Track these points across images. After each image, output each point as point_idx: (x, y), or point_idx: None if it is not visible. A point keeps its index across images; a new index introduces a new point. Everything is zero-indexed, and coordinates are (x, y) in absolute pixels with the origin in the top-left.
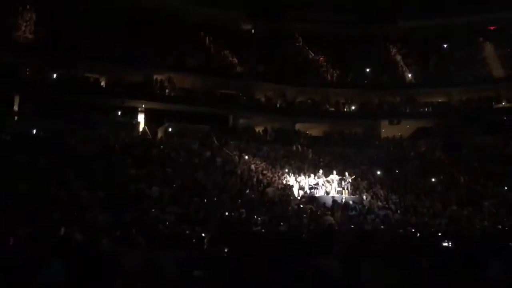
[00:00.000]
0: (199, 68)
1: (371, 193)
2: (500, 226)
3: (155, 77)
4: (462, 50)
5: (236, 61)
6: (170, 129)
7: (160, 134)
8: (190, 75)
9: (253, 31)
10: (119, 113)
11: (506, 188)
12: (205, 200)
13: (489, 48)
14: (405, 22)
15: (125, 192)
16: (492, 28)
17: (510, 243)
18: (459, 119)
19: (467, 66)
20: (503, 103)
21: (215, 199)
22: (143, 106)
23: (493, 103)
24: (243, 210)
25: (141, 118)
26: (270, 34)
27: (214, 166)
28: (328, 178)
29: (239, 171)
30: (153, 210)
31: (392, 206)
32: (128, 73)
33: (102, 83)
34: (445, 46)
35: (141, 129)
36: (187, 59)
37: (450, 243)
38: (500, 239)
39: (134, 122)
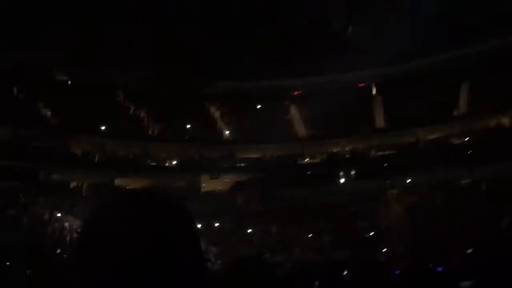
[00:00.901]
0: (5, 119)
1: None
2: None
3: None
4: (272, 111)
5: (50, 112)
6: None
7: None
8: None
9: (69, 82)
10: None
11: (311, 235)
12: (8, 264)
13: (294, 110)
14: (223, 82)
15: None
16: (296, 93)
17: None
18: (272, 173)
19: (276, 126)
20: (307, 159)
21: (21, 261)
22: None
23: (299, 159)
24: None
25: None
26: (89, 86)
27: (19, 225)
28: None
29: (49, 230)
30: None
31: (212, 258)
32: None
33: None
34: (258, 106)
35: None
36: None
37: None
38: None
39: None
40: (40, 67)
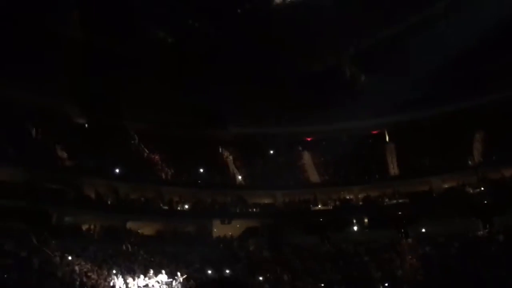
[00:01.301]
0: (20, 159)
1: None
2: None
3: None
4: (285, 157)
5: (66, 154)
6: None
7: None
8: (8, 166)
9: (86, 125)
10: None
11: (323, 285)
12: None
13: (306, 156)
14: (236, 128)
15: None
16: (308, 139)
17: None
18: (283, 219)
19: (288, 171)
20: (319, 206)
21: None
22: None
23: (311, 205)
24: None
25: None
26: (105, 130)
27: (29, 268)
28: (157, 279)
29: (59, 274)
30: None
31: None
32: None
33: None
34: (270, 152)
35: None
36: (5, 149)
37: None
38: None
39: None
40: (58, 111)
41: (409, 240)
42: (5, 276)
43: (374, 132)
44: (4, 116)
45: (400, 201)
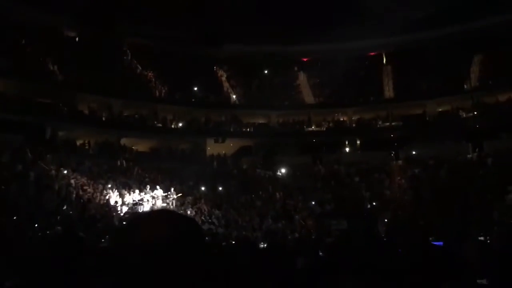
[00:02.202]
0: (13, 71)
1: (196, 209)
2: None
3: None
4: (280, 77)
5: (57, 68)
6: None
7: None
8: (1, 78)
9: (77, 39)
10: None
11: (313, 202)
12: (15, 218)
13: (302, 77)
14: (231, 46)
15: None
16: (305, 59)
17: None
18: (277, 139)
19: (283, 92)
20: (313, 127)
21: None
22: None
23: (305, 126)
24: (60, 227)
25: None
26: (97, 44)
27: (26, 180)
28: (153, 194)
29: (56, 186)
30: None
31: (215, 221)
32: None
33: None
34: (265, 72)
35: None
36: None
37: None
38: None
39: None
40: (50, 23)
41: (399, 161)
42: (3, 187)
43: (372, 53)
44: None
45: (394, 123)
